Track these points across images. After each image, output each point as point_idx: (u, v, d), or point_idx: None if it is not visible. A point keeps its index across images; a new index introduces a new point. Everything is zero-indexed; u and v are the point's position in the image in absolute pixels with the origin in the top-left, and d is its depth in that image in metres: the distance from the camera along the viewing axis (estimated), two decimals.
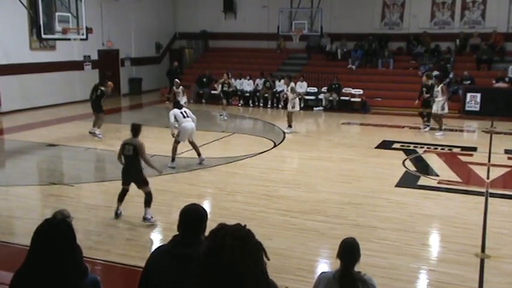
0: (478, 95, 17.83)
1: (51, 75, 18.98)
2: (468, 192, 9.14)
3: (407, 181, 9.83)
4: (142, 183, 7.41)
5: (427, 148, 12.64)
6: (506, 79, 18.55)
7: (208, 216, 3.01)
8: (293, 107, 14.70)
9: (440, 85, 14.39)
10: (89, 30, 16.31)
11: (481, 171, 10.47)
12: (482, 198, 8.66)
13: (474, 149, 12.70)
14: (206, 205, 8.22)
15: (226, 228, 2.00)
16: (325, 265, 6.09)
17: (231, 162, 11.03)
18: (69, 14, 14.54)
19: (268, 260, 1.98)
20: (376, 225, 7.40)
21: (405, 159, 11.43)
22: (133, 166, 7.36)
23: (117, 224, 7.39)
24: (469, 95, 18.04)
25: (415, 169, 10.75)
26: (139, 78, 23.65)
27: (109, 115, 18.60)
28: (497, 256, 6.36)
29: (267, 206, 8.17)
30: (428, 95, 14.48)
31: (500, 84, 18.39)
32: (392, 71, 21.18)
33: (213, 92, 21.35)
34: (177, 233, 2.95)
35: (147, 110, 19.96)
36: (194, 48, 26.11)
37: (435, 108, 14.28)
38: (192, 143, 10.71)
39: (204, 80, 21.68)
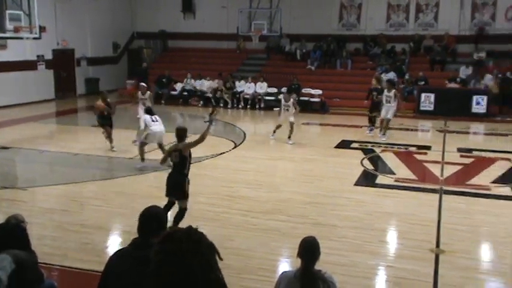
0: (432, 95, 18.35)
1: (2, 75, 18.36)
2: (423, 189, 9.40)
3: (365, 180, 10.03)
4: (183, 198, 6.81)
5: (384, 147, 12.92)
6: (458, 80, 19.21)
7: (170, 218, 2.98)
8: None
9: (393, 90, 13.98)
10: (42, 29, 15.88)
11: (436, 169, 10.79)
12: (437, 196, 8.93)
13: (429, 147, 13.07)
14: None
15: (179, 232, 1.99)
16: (286, 264, 6.14)
17: (192, 164, 10.94)
18: (21, 12, 14.12)
19: (221, 260, 1.98)
20: (336, 223, 7.51)
21: (363, 159, 11.65)
22: (180, 175, 6.82)
23: (74, 228, 7.22)
24: (423, 95, 18.55)
25: (372, 168, 10.97)
26: (96, 78, 23.17)
27: (64, 116, 18.20)
28: (451, 251, 6.57)
29: (229, 207, 8.16)
30: (378, 99, 14.18)
31: (453, 85, 19.02)
32: (351, 71, 21.55)
33: (172, 92, 21.18)
34: (137, 235, 2.91)
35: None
36: (153, 48, 25.79)
37: (384, 114, 13.82)
38: (160, 146, 10.59)
39: (164, 80, 21.47)
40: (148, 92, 13.25)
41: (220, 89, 16.97)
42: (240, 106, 20.28)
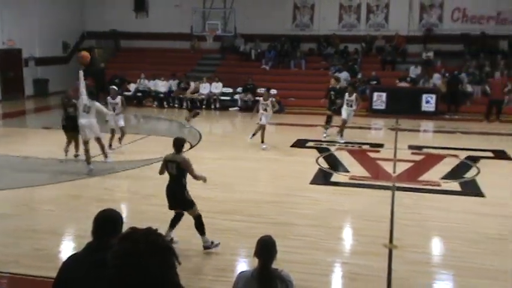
0: (384, 94, 18.81)
1: None
2: (377, 186, 9.63)
3: (321, 178, 10.18)
4: (189, 207, 6.59)
5: (339, 146, 13.14)
6: (408, 79, 19.80)
7: (125, 220, 2.94)
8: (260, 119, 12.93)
9: (355, 94, 13.96)
10: None
11: (388, 167, 11.07)
12: (390, 192, 9.17)
13: (381, 145, 13.39)
14: (122, 209, 7.99)
15: (137, 232, 1.97)
16: (244, 264, 6.16)
17: (146, 165, 10.81)
18: None
19: (180, 264, 1.97)
20: (293, 222, 7.59)
21: (318, 157, 11.82)
22: (178, 185, 6.55)
23: (25, 234, 7.00)
24: (375, 94, 18.99)
25: (328, 166, 11.15)
26: (45, 79, 22.50)
27: (13, 119, 17.58)
28: (404, 246, 6.76)
29: None
30: (337, 99, 14.30)
31: (403, 84, 19.58)
32: (305, 71, 21.81)
33: (126, 93, 20.82)
34: (92, 239, 2.85)
35: (56, 112, 19.02)
36: (104, 48, 25.26)
37: (345, 115, 13.76)
38: (97, 141, 10.40)
39: (117, 80, 21.06)
40: (120, 97, 12.41)
41: (196, 91, 16.40)
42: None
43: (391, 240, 6.98)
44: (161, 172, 6.85)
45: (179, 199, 6.57)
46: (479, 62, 20.03)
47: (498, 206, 8.53)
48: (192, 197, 6.56)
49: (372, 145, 13.35)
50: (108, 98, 12.29)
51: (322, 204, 8.48)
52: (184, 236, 6.67)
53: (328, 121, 14.52)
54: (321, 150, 12.63)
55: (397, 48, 21.42)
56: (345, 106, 13.82)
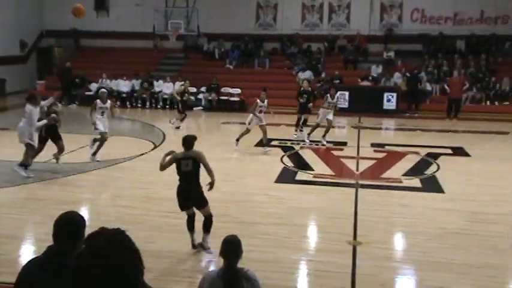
0: (347, 93, 19.05)
1: None
2: (340, 184, 9.75)
3: (285, 177, 10.23)
4: (205, 204, 6.42)
5: (303, 144, 13.24)
6: (370, 78, 20.15)
7: (88, 222, 2.87)
8: (249, 123, 12.50)
9: (337, 95, 13.82)
10: None
11: (351, 164, 11.23)
12: (353, 190, 9.29)
13: (345, 143, 13.57)
14: (84, 211, 7.82)
15: (104, 232, 1.93)
16: (212, 265, 6.12)
17: (109, 166, 10.63)
18: None
19: (143, 268, 1.94)
20: (258, 221, 7.60)
21: (283, 156, 11.88)
22: (195, 183, 6.37)
23: None
24: (338, 93, 19.15)
25: (292, 165, 11.22)
26: (2, 78, 21.80)
27: None
28: (367, 242, 6.87)
29: (148, 209, 8.00)
30: (308, 102, 14.16)
31: (365, 83, 19.92)
32: (269, 70, 21.89)
33: (87, 93, 20.42)
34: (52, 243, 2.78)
35: (13, 113, 18.47)
36: (64, 47, 24.69)
37: (331, 117, 13.45)
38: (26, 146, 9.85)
39: (77, 80, 20.64)
40: (109, 101, 11.42)
41: (186, 91, 15.74)
42: (158, 106, 19.98)
43: (355, 237, 7.07)
44: (163, 168, 6.67)
45: (196, 196, 6.40)
46: (437, 62, 20.56)
47: (457, 201, 8.77)
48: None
49: (335, 143, 13.51)
50: (97, 101, 11.21)
51: (287, 203, 8.52)
52: (148, 237, 6.58)
53: (300, 124, 14.20)
54: (285, 149, 12.70)
55: (359, 48, 21.75)
56: (327, 109, 13.34)
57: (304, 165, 11.24)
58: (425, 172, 10.69)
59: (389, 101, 18.79)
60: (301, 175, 10.46)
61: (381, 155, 12.24)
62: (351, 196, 8.89)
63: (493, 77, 19.52)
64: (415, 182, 10.05)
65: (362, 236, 7.07)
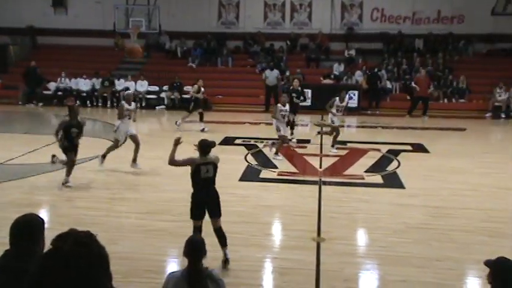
0: (309, 91, 19.21)
1: None
2: (304, 181, 9.82)
3: (249, 175, 10.23)
4: (220, 214, 6.02)
5: (267, 142, 13.26)
6: (332, 76, 20.38)
7: (47, 225, 2.78)
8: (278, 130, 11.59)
9: (346, 98, 13.02)
10: None
11: (315, 162, 11.33)
12: (317, 187, 9.38)
13: (308, 141, 13.67)
14: (43, 214, 7.60)
15: (73, 234, 1.87)
16: (174, 265, 6.06)
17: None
18: None
19: (111, 273, 1.89)
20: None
21: (247, 154, 11.87)
22: (214, 190, 6.03)
23: None
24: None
25: (256, 163, 11.22)
26: None
27: None
28: (331, 238, 6.94)
29: (110, 210, 7.86)
30: (300, 102, 13.89)
31: (327, 81, 20.13)
32: (232, 68, 21.86)
33: (45, 92, 19.91)
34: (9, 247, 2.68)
35: None
36: (20, 45, 23.94)
37: (338, 122, 12.72)
38: None
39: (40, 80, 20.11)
40: (134, 103, 10.82)
41: (201, 90, 15.20)
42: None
43: (319, 234, 7.13)
44: (174, 164, 6.34)
45: (216, 205, 6.03)
46: (397, 60, 20.98)
47: (418, 196, 8.97)
48: None
49: (298, 141, 13.59)
50: (123, 102, 10.58)
51: (251, 201, 8.52)
52: (111, 238, 6.45)
53: (292, 127, 13.71)
54: (249, 147, 12.69)
55: (321, 46, 21.96)
56: (335, 113, 12.45)
57: (268, 163, 11.26)
58: (387, 168, 10.88)
59: (351, 99, 19.00)
60: (265, 173, 10.47)
61: (343, 152, 12.38)
62: (315, 193, 8.97)
63: (451, 75, 20.06)
64: (377, 178, 10.21)
65: (326, 233, 7.14)
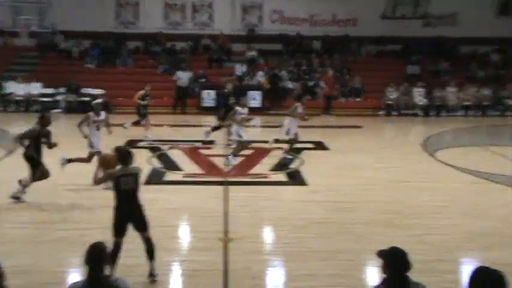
0: (213, 92, 19.27)
1: None
2: (210, 182, 9.81)
3: (154, 178, 10.02)
4: (147, 226, 5.65)
5: (171, 144, 13.09)
6: (235, 76, 20.56)
7: None
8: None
9: (297, 103, 12.20)
10: None
11: (220, 162, 11.35)
12: (222, 187, 9.40)
13: (212, 142, 13.68)
14: None
15: None
16: (77, 275, 5.77)
17: None
18: None
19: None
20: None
21: (151, 157, 11.63)
22: (138, 202, 5.64)
23: None
24: (205, 92, 19.38)
25: (161, 166, 11.03)
26: None
27: None
28: (239, 238, 6.99)
29: (4, 221, 7.33)
30: (234, 106, 12.80)
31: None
32: (132, 69, 21.28)
33: None
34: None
35: None
36: None
37: (297, 131, 11.94)
38: None
39: None
40: (104, 113, 9.88)
41: (147, 94, 14.19)
42: (9, 109, 18.45)
43: (226, 234, 7.16)
44: (99, 183, 6.25)
45: (141, 218, 5.65)
46: (296, 61, 21.65)
47: (320, 192, 9.31)
48: None
49: (203, 142, 13.55)
50: (91, 114, 9.64)
51: (157, 204, 8.31)
52: (6, 252, 6.01)
53: (216, 129, 13.22)
54: (153, 149, 12.45)
55: (223, 47, 22.08)
56: (293, 120, 11.81)
57: (173, 165, 11.12)
58: (290, 167, 11.17)
59: (255, 99, 19.33)
60: (170, 175, 10.32)
61: (248, 152, 12.52)
62: (221, 194, 8.99)
63: (348, 75, 21.07)
64: (281, 176, 10.46)
65: (233, 233, 7.18)
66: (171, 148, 12.73)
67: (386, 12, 22.17)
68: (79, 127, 9.58)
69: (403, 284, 3.42)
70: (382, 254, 3.52)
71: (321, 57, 21.85)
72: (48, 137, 8.57)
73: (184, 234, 7.49)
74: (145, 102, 14.03)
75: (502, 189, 9.69)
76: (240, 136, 11.29)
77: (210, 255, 6.38)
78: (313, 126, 16.41)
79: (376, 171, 10.89)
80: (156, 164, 11.13)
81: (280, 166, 11.02)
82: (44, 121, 8.57)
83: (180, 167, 10.95)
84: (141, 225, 5.67)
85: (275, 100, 19.92)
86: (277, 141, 11.88)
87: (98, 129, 9.60)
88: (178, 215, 8.09)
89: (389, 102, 19.90)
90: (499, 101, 19.92)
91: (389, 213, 8.20)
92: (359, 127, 16.80)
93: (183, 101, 19.39)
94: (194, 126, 16.23)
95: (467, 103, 19.82)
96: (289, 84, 20.49)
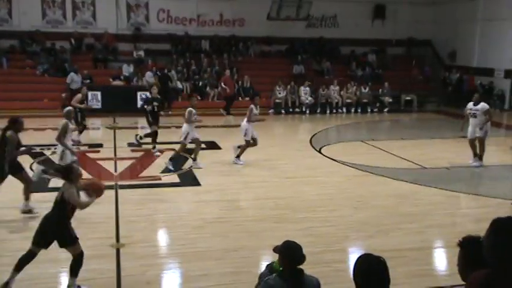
0: (99, 93, 18.53)
1: None
2: None
3: (36, 185, 9.37)
4: (70, 242, 5.50)
5: (55, 149, 12.35)
6: (122, 77, 19.96)
7: None
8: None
9: (251, 105, 11.81)
10: None
11: (109, 166, 10.96)
12: (113, 191, 9.07)
13: (100, 145, 13.15)
14: None
15: None
16: None
17: None
18: None
19: None
20: (7, 237, 6.83)
21: (32, 163, 10.89)
22: (58, 216, 5.51)
23: None
24: (90, 93, 18.52)
25: (45, 172, 10.35)
26: None
27: None
28: (131, 243, 6.80)
29: None
30: (159, 110, 12.74)
31: (117, 82, 19.65)
32: (8, 70, 19.77)
33: None
34: None
35: None
36: None
37: (256, 135, 11.75)
38: None
39: None
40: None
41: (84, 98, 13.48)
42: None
43: (117, 240, 6.93)
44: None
45: (59, 233, 5.58)
46: (186, 61, 21.51)
47: (213, 192, 9.35)
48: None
49: (90, 145, 13.00)
50: (66, 121, 8.89)
51: (42, 213, 7.80)
52: None
53: (154, 139, 12.42)
54: (34, 155, 11.65)
55: (108, 47, 21.30)
56: (248, 124, 11.61)
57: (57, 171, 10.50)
58: (183, 167, 11.08)
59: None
60: (55, 181, 9.72)
61: (138, 154, 12.23)
62: (111, 198, 8.67)
63: (237, 74, 21.33)
64: (174, 177, 10.34)
65: (125, 238, 6.97)
66: (54, 153, 12.01)
67: (272, 14, 22.80)
68: (58, 140, 8.78)
69: (297, 276, 3.55)
70: (278, 249, 3.64)
71: (209, 57, 21.93)
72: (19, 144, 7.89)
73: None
74: (83, 106, 13.45)
75: (382, 181, 10.41)
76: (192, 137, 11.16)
77: (101, 263, 6.13)
78: (207, 126, 16.49)
79: (267, 169, 11.17)
80: (38, 170, 10.42)
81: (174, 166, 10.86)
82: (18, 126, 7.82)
83: None
84: (60, 241, 5.65)
85: (165, 100, 19.60)
86: (238, 147, 11.72)
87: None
88: None
89: (278, 100, 20.50)
90: (377, 99, 21.36)
91: (280, 209, 8.46)
92: (262, 120, 17.11)
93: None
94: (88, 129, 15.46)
95: (349, 101, 21.02)
96: (179, 84, 20.32)
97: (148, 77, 20.05)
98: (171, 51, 21.96)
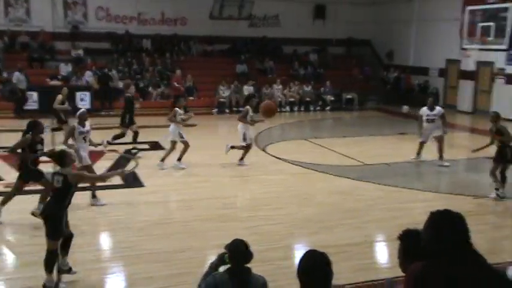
0: (35, 94, 17.85)
1: None
2: (35, 191, 9.03)
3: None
4: (52, 235, 5.49)
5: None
6: (59, 77, 19.29)
7: None
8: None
9: (247, 106, 11.56)
10: None
11: (47, 169, 10.52)
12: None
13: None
14: None
15: None
16: None
17: None
18: None
19: None
20: None
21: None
22: (55, 204, 5.56)
23: None
24: (27, 93, 17.86)
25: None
26: None
27: None
28: (72, 247, 6.56)
29: None
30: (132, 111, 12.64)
31: (55, 82, 18.95)
32: None
33: None
34: None
35: None
36: None
37: (252, 136, 11.95)
38: None
39: None
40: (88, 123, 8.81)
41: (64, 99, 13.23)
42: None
43: None
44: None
45: (49, 221, 5.57)
46: (127, 60, 21.06)
47: (158, 193, 9.22)
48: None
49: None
50: (75, 124, 8.70)
51: None
52: None
53: (135, 139, 12.44)
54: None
55: (44, 45, 20.52)
56: (246, 125, 11.42)
57: None
58: (126, 169, 10.84)
59: (83, 100, 18.36)
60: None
61: None
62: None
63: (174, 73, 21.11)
64: (116, 179, 10.08)
65: None
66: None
67: (214, 13, 22.71)
68: (65, 143, 8.38)
69: (244, 274, 3.56)
70: (227, 248, 3.65)
71: (151, 56, 21.58)
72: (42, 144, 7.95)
73: (9, 251, 6.79)
74: (65, 107, 13.38)
75: (326, 178, 10.61)
76: (181, 137, 11.15)
77: (39, 270, 5.88)
78: (150, 127, 16.21)
79: (212, 168, 11.13)
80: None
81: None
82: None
83: (1, 176, 9.92)
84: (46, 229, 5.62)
85: (105, 101, 19.15)
86: (232, 147, 11.53)
87: (85, 141, 8.80)
88: (1, 230, 7.32)
89: (222, 100, 20.46)
90: (319, 98, 21.75)
91: (227, 208, 8.45)
92: (193, 125, 16.97)
93: (21, 104, 17.74)
94: (12, 131, 14.81)
95: (292, 99, 21.28)
96: (120, 84, 19.86)
97: (88, 76, 19.50)
98: (112, 50, 21.43)
